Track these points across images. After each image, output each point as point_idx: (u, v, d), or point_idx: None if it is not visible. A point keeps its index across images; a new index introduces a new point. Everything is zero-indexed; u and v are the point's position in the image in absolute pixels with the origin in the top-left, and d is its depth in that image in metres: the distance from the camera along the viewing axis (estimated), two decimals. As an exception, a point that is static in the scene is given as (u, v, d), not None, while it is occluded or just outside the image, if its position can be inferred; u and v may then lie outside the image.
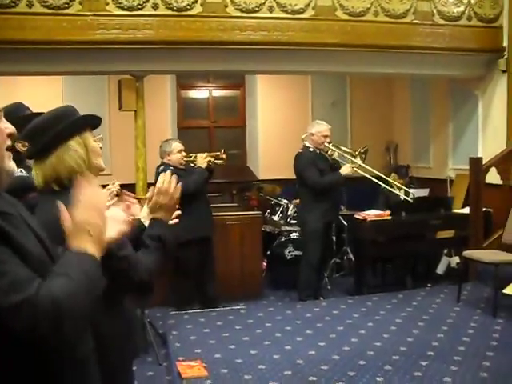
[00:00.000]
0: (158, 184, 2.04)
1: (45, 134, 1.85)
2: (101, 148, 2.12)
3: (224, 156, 5.42)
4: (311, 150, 5.62)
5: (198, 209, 5.12)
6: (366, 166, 5.71)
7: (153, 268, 1.88)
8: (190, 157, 5.34)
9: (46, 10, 5.36)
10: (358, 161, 5.62)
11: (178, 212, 2.12)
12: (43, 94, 7.08)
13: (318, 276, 5.72)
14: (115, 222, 1.53)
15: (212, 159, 5.35)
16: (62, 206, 1.37)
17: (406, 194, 6.07)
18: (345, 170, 5.52)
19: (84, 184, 1.38)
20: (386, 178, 6.08)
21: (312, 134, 5.62)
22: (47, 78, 7.24)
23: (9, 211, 1.30)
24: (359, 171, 5.70)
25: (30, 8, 5.32)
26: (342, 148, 5.72)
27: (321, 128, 5.64)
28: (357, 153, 5.67)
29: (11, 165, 1.41)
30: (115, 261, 1.67)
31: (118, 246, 1.68)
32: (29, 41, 5.32)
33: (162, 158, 5.30)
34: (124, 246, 1.79)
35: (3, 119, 1.41)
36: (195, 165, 5.28)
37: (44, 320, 1.18)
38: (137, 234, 1.96)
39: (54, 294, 1.19)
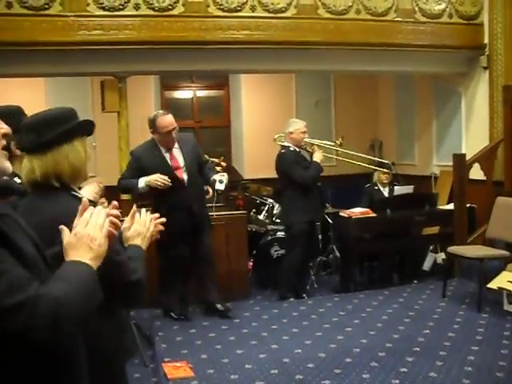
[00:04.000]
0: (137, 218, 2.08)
1: (54, 128, 1.83)
2: None
3: (223, 163, 5.58)
4: (292, 149, 5.63)
5: None
6: (349, 151, 5.87)
7: (143, 274, 1.88)
8: None
9: (25, 11, 5.32)
10: (340, 149, 5.80)
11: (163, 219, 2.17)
12: (25, 96, 7.00)
13: (299, 276, 5.73)
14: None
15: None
16: (65, 230, 1.44)
17: (387, 166, 6.24)
18: (317, 157, 5.58)
19: (92, 209, 1.47)
20: (366, 157, 6.25)
21: (291, 133, 5.62)
22: (29, 80, 7.17)
23: (5, 212, 1.31)
24: (340, 158, 5.86)
25: (9, 9, 5.27)
26: (321, 141, 5.78)
27: (298, 125, 5.66)
28: (338, 143, 5.81)
29: (7, 164, 1.44)
30: (112, 265, 1.66)
31: (115, 251, 1.70)
32: (9, 42, 5.28)
33: None
34: (120, 251, 1.81)
35: None
36: None
37: (44, 320, 1.19)
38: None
39: (55, 295, 1.22)
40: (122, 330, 2.03)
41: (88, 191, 2.93)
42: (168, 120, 4.73)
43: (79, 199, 1.89)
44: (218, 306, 5.04)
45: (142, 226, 2.04)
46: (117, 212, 1.65)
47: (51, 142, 1.84)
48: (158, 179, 4.60)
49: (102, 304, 1.58)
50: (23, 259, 1.27)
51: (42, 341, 1.24)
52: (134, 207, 2.08)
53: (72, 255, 1.37)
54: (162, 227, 2.15)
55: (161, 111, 4.99)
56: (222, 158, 5.71)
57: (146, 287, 1.90)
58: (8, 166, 1.45)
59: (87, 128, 1.97)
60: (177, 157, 4.80)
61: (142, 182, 4.68)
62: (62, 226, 1.44)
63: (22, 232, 1.35)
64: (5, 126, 1.44)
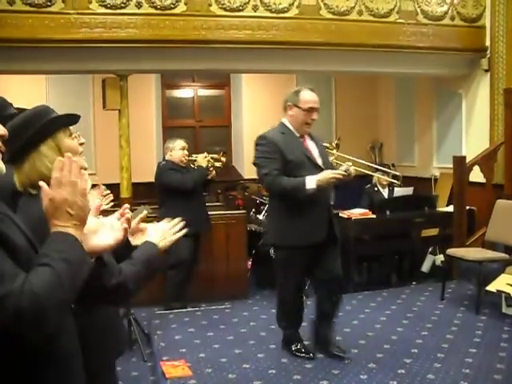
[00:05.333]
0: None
1: (16, 139, 1.78)
2: (82, 144, 2.08)
3: (223, 158, 5.57)
4: None
5: (194, 206, 5.26)
6: (347, 156, 5.76)
7: (131, 277, 1.80)
8: (192, 157, 5.46)
9: (27, 8, 5.32)
10: (336, 152, 5.69)
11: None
12: (27, 93, 7.01)
13: None
14: (112, 229, 1.54)
15: (212, 161, 5.43)
16: (43, 185, 1.34)
17: (394, 177, 6.13)
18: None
19: (61, 162, 1.33)
20: (365, 162, 6.13)
21: None
22: (31, 77, 7.18)
23: None
24: (336, 161, 5.76)
25: (12, 5, 5.27)
26: None
27: None
28: (334, 145, 5.73)
29: (0, 165, 1.42)
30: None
31: None
32: (10, 39, 5.28)
33: (165, 154, 5.50)
34: None
35: None
36: (195, 165, 5.41)
37: (24, 316, 1.18)
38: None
39: (35, 291, 1.19)
40: (108, 327, 2.00)
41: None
42: (314, 96, 3.94)
43: None
44: (336, 350, 4.06)
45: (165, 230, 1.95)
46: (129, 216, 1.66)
47: (16, 155, 1.82)
48: (335, 175, 3.72)
49: (86, 303, 1.56)
50: (14, 252, 1.26)
51: (28, 333, 1.23)
52: (126, 205, 2.01)
53: (53, 225, 1.31)
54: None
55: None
56: (222, 152, 5.67)
57: (133, 293, 1.81)
58: (2, 166, 1.44)
59: (54, 126, 1.90)
60: (310, 147, 4.00)
61: (313, 182, 3.70)
62: (42, 183, 1.35)
63: (15, 227, 1.34)
64: (2, 128, 1.43)
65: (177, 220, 2.02)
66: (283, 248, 3.94)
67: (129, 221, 1.76)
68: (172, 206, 5.14)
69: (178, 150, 5.36)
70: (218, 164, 5.53)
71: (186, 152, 5.40)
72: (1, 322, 1.19)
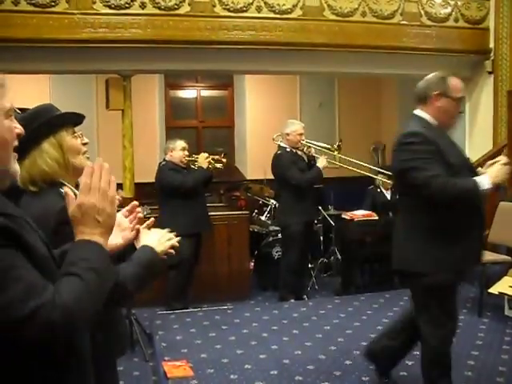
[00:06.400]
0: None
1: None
2: (86, 143, 2.07)
3: (224, 160, 5.58)
4: (288, 150, 5.61)
5: (195, 206, 5.29)
6: (346, 157, 5.77)
7: (130, 279, 1.76)
8: (192, 157, 5.46)
9: (32, 8, 5.34)
10: (337, 154, 5.71)
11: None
12: (30, 93, 7.02)
13: (298, 276, 5.70)
14: (119, 227, 1.52)
15: (212, 161, 5.44)
16: (68, 191, 1.33)
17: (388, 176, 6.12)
18: (321, 162, 5.52)
19: (91, 168, 1.32)
20: (366, 165, 6.12)
21: (287, 134, 5.58)
22: (35, 77, 7.20)
23: (14, 213, 1.26)
24: (339, 163, 5.76)
25: (16, 5, 5.29)
26: (318, 143, 5.73)
27: (295, 127, 5.62)
28: (335, 146, 5.75)
29: (16, 167, 1.38)
30: None
31: None
32: (15, 39, 5.29)
33: (165, 154, 5.52)
34: None
35: (13, 118, 1.39)
36: (195, 165, 5.42)
37: (56, 329, 1.16)
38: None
39: (66, 304, 1.17)
40: (109, 326, 1.99)
41: None
42: (461, 84, 3.19)
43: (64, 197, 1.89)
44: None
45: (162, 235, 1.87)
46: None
47: (20, 150, 1.81)
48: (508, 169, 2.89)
49: None
50: (37, 261, 1.23)
51: (58, 345, 1.20)
52: (135, 202, 1.98)
53: (79, 231, 1.29)
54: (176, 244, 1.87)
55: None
56: (223, 154, 5.70)
57: (132, 294, 1.79)
58: (17, 168, 1.42)
59: (57, 123, 1.91)
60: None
61: (486, 181, 2.87)
62: (67, 190, 1.35)
63: (34, 233, 1.31)
64: (19, 126, 1.41)
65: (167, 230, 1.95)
66: (435, 274, 2.97)
67: (142, 220, 1.73)
68: (172, 205, 5.17)
69: (178, 150, 5.37)
70: (218, 165, 5.54)
71: (186, 152, 5.41)
72: (32, 334, 1.15)
